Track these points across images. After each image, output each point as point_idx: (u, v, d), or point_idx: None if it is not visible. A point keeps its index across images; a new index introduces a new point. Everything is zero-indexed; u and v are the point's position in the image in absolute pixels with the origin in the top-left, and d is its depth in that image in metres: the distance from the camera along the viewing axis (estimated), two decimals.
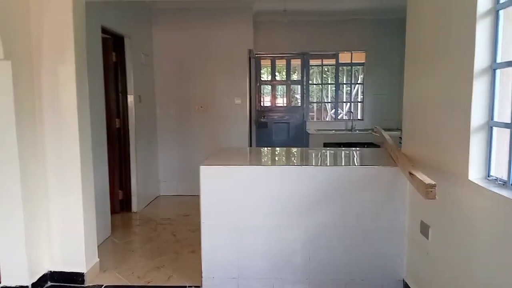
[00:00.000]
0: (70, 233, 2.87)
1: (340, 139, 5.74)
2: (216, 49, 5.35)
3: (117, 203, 4.64)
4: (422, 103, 2.49)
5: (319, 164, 2.96)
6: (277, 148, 3.88)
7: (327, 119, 6.62)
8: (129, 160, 4.67)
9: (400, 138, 3.29)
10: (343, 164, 3.06)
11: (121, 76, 4.56)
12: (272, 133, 6.53)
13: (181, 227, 4.13)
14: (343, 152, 3.60)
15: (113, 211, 4.52)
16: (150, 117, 5.27)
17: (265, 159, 3.26)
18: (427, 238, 2.31)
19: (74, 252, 2.88)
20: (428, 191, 1.63)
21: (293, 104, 6.60)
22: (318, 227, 2.69)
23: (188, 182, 5.45)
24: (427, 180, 1.70)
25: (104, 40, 4.23)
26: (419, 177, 1.78)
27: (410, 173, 2.02)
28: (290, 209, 2.69)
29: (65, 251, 2.89)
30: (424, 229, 2.34)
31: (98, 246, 3.47)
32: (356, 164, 3.08)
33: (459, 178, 1.93)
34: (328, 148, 5.45)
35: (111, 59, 4.47)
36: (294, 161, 3.14)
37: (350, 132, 6.03)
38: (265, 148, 4.85)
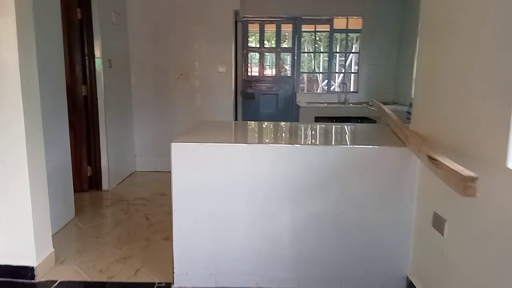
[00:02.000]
0: (16, 221, 2.41)
1: (332, 112, 5.30)
2: (199, 10, 4.77)
3: (85, 181, 4.17)
4: (444, 73, 2.04)
5: (311, 143, 2.52)
6: (265, 123, 3.41)
7: (318, 91, 6.15)
8: (98, 132, 4.16)
9: (408, 114, 2.85)
10: (340, 143, 2.63)
11: (87, 37, 3.98)
12: (260, 105, 6.05)
13: (156, 209, 3.70)
14: (338, 128, 3.16)
15: (80, 189, 4.07)
16: (123, 85, 4.73)
17: (250, 136, 2.81)
18: (442, 234, 1.92)
19: (22, 242, 2.42)
20: (466, 185, 1.21)
21: (282, 74, 6.09)
22: (310, 217, 2.28)
23: (167, 158, 4.95)
24: (466, 172, 1.28)
25: None
26: (450, 165, 1.36)
27: (431, 158, 1.60)
28: (277, 195, 2.26)
29: (11, 242, 2.43)
30: (438, 223, 1.95)
31: (56, 232, 3.04)
32: (356, 144, 2.65)
33: (493, 165, 1.51)
34: (320, 123, 5.03)
35: (75, 17, 3.88)
36: (283, 138, 2.69)
37: (343, 106, 5.59)
38: (251, 123, 4.38)
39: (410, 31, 5.34)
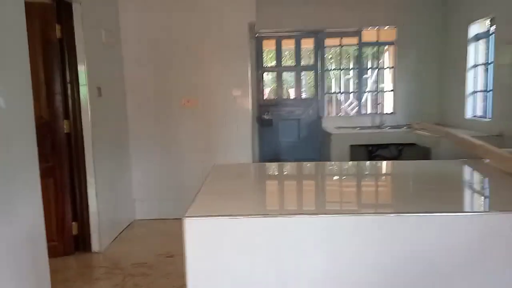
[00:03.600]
0: None
1: (370, 139, 4.43)
2: (207, 23, 3.97)
3: (70, 241, 3.26)
4: None
5: (404, 211, 1.51)
6: (305, 165, 2.49)
7: (349, 114, 5.30)
8: (84, 178, 3.28)
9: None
10: (462, 206, 1.63)
11: (69, 60, 3.16)
12: (279, 133, 5.19)
13: (161, 282, 2.77)
14: (409, 168, 2.23)
15: (63, 253, 3.19)
16: (116, 117, 3.88)
17: (288, 195, 1.89)
18: None
19: None
20: None
21: (304, 96, 5.26)
22: None
23: (172, 202, 4.11)
24: None
25: (40, 6, 2.89)
26: None
27: None
28: None
29: None
30: None
31: None
32: (492, 209, 1.63)
33: None
34: (374, 161, 4.19)
35: (54, 35, 3.08)
36: (344, 200, 1.75)
37: (380, 130, 4.71)
38: (286, 166, 2.94)
39: (454, 40, 4.51)
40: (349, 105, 6.26)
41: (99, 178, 3.37)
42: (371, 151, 4.90)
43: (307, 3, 4.84)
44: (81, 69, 3.18)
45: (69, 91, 3.16)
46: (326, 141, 4.72)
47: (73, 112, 3.19)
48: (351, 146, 4.33)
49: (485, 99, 4.12)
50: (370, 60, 5.25)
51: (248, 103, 4.07)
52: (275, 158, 5.21)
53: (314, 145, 5.15)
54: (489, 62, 3.97)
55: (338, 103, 5.32)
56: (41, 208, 2.53)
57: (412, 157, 4.94)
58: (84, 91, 3.21)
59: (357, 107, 5.96)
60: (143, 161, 4.14)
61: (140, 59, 4.02)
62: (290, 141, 5.19)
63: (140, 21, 3.98)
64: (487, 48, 3.98)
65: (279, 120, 5.16)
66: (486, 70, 4.03)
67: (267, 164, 3.15)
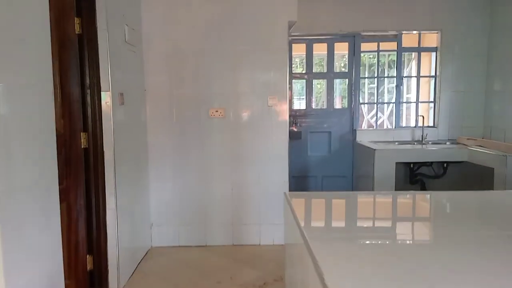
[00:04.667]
0: None
1: (418, 156, 3.97)
2: (240, 22, 3.49)
3: (84, 278, 2.70)
4: None
5: None
6: (406, 199, 1.97)
7: (385, 127, 4.85)
8: (103, 201, 2.74)
9: None
10: None
11: (90, 60, 2.63)
12: (308, 147, 4.70)
13: None
14: None
15: None
16: (138, 128, 3.36)
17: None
18: None
19: None
20: None
21: (337, 106, 4.79)
22: None
23: (195, 226, 3.59)
24: None
25: None
26: None
27: None
28: None
29: None
30: None
31: None
32: None
33: None
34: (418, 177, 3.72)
35: (72, 30, 2.55)
36: None
37: (425, 146, 4.25)
38: (369, 201, 1.88)
39: (503, 47, 4.11)
40: (371, 117, 5.83)
41: (120, 202, 2.83)
42: (413, 169, 4.45)
43: (341, 3, 4.39)
44: (104, 71, 2.65)
45: (88, 98, 2.62)
46: (362, 157, 4.25)
47: (93, 124, 2.65)
48: (398, 164, 3.87)
49: None
50: (412, 67, 4.82)
51: (285, 114, 3.57)
52: (303, 174, 4.72)
53: (347, 160, 4.68)
54: None
55: (373, 115, 4.85)
56: (59, 241, 2.01)
57: (463, 176, 4.50)
58: (105, 97, 2.68)
59: (380, 119, 5.53)
60: (162, 178, 3.60)
61: (162, 62, 3.51)
62: (320, 156, 4.70)
63: (164, 19, 3.47)
64: None
65: (308, 133, 4.68)
66: None
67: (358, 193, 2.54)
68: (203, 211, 3.64)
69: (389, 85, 5.96)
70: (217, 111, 3.56)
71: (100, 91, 2.66)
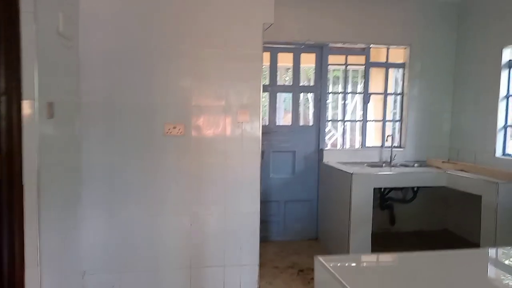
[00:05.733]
0: None
1: (396, 181, 3.65)
2: (207, 20, 2.89)
3: None
4: None
5: None
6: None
7: (347, 146, 4.52)
8: (21, 258, 1.93)
9: None
10: None
11: (6, 56, 1.85)
12: (270, 168, 4.19)
13: None
14: None
15: None
16: (70, 149, 2.56)
17: None
18: None
19: None
20: None
21: (302, 123, 4.36)
22: None
23: (142, 272, 2.88)
24: None
25: None
26: None
27: None
28: None
29: None
30: None
31: None
32: None
33: None
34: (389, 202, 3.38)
35: None
36: None
37: (400, 169, 3.94)
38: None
39: (476, 65, 4.02)
40: (329, 138, 5.50)
41: (45, 254, 2.04)
42: (383, 193, 4.15)
43: (309, 11, 4.00)
44: (28, 73, 1.88)
45: (2, 109, 1.83)
46: (333, 180, 3.85)
47: (8, 144, 1.86)
48: (375, 189, 3.51)
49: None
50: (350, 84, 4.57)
51: (258, 132, 3.02)
52: (264, 199, 4.18)
53: (311, 183, 4.25)
54: None
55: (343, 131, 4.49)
56: None
57: (435, 200, 4.30)
58: (27, 108, 1.90)
59: (337, 138, 5.21)
60: (99, 213, 2.82)
61: (104, 63, 2.76)
62: (283, 178, 4.22)
63: (111, 6, 2.74)
64: None
65: (270, 152, 4.17)
66: None
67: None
68: (153, 253, 2.91)
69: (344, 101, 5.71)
70: (174, 128, 2.89)
71: (21, 100, 1.88)
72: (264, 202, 4.18)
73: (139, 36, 2.80)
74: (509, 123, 3.72)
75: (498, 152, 3.73)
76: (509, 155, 3.69)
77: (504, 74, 3.68)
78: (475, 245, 3.84)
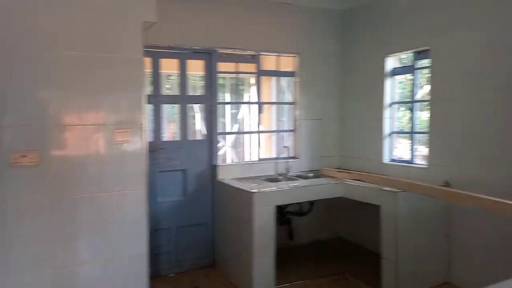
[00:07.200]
0: None
1: (299, 196, 3.43)
2: (70, 14, 2.21)
3: None
4: None
5: None
6: None
7: (245, 159, 4.18)
8: None
9: None
10: None
11: None
12: (156, 191, 3.59)
13: None
14: None
15: None
16: None
17: None
18: None
19: None
20: None
21: (191, 137, 3.86)
22: None
23: None
24: None
25: None
26: None
27: None
28: None
29: None
30: None
31: None
32: None
33: None
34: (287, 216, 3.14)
35: None
36: None
37: (298, 183, 3.72)
38: None
39: (355, 74, 4.10)
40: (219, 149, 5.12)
41: None
42: (282, 209, 3.92)
43: (195, 12, 3.57)
44: None
45: None
46: (230, 199, 3.46)
47: None
48: (278, 206, 3.23)
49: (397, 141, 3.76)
50: (271, 92, 4.34)
51: (143, 154, 2.45)
52: (152, 227, 3.56)
53: (205, 204, 3.79)
54: (416, 99, 3.59)
55: (235, 145, 4.13)
56: None
57: (330, 211, 4.23)
58: None
59: (225, 151, 4.89)
60: None
61: None
62: (173, 202, 3.67)
63: None
64: (413, 84, 3.62)
65: (156, 172, 3.58)
66: (411, 108, 3.66)
67: None
68: None
69: (237, 111, 5.40)
70: (24, 156, 2.14)
71: None
72: (152, 232, 3.56)
73: None
74: (394, 129, 3.85)
75: (385, 158, 3.83)
76: (394, 160, 3.82)
77: (388, 83, 3.79)
78: (370, 251, 3.88)
